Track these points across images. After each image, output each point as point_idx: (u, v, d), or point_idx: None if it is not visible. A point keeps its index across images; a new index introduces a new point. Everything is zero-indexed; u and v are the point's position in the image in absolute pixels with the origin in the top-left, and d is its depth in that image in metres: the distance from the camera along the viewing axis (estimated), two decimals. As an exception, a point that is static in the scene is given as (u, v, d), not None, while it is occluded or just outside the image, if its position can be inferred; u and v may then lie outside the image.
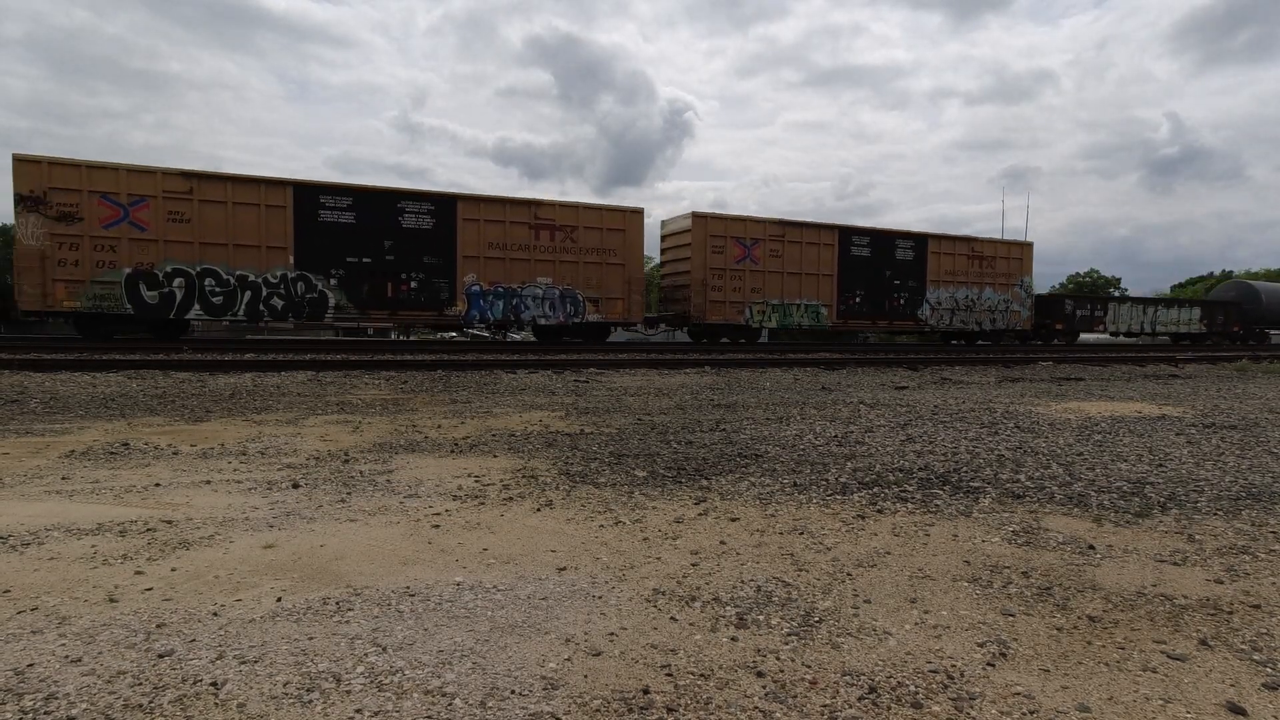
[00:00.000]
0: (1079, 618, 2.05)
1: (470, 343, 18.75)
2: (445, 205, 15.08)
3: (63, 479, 3.56)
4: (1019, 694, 1.62)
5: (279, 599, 2.07)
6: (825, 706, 1.55)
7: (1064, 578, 2.37)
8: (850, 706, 1.56)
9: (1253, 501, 3.42)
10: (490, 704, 1.53)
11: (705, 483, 3.66)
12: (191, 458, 4.15)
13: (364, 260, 14.52)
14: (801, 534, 2.82)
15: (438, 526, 2.85)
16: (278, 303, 14.07)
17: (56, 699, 1.51)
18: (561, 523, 2.93)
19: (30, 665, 1.65)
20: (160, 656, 1.71)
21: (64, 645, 1.76)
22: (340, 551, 2.51)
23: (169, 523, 2.82)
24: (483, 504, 3.20)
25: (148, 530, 2.71)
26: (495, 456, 4.30)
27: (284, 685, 1.58)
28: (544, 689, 1.59)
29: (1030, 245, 22.87)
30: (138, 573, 2.27)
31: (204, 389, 7.52)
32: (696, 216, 17.73)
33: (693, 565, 2.44)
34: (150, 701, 1.51)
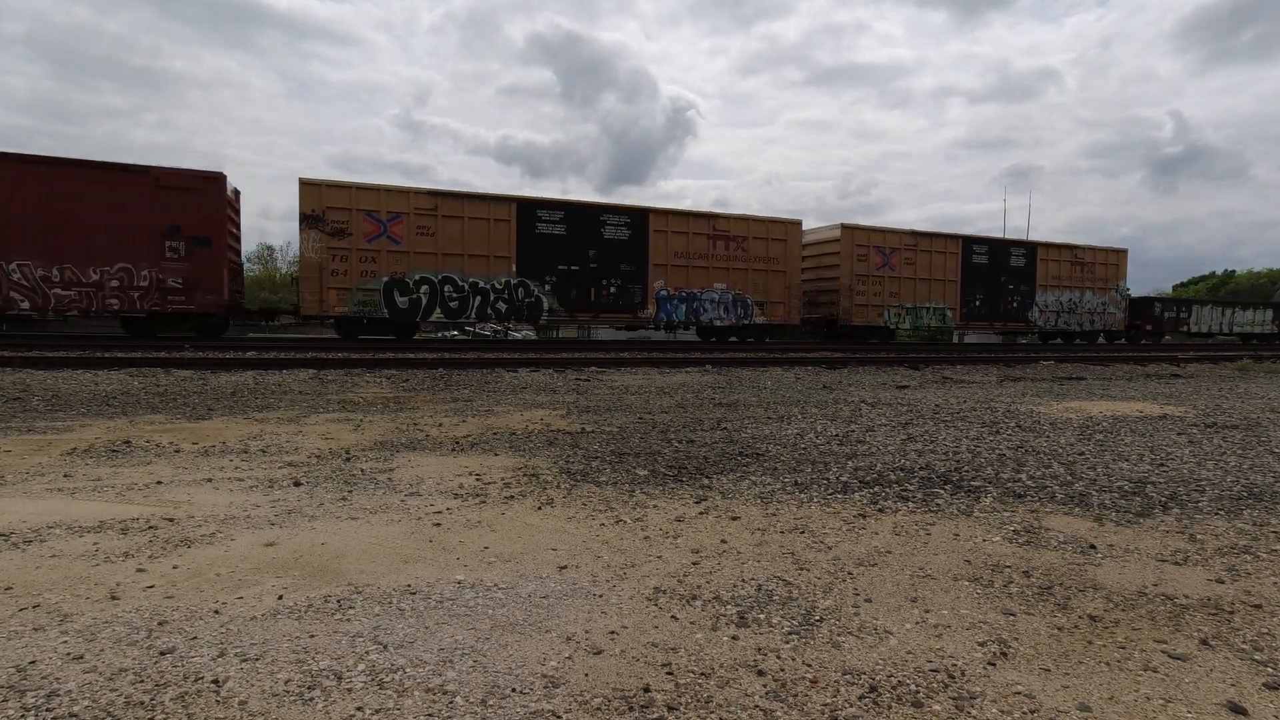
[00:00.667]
0: (1080, 617, 2.05)
1: (471, 341, 18.79)
2: (639, 218, 16.68)
3: (65, 476, 3.57)
4: (1020, 693, 1.62)
5: (280, 597, 2.08)
6: (826, 705, 1.56)
7: (1065, 577, 2.37)
8: (851, 705, 1.56)
9: (1254, 501, 3.41)
10: (491, 702, 1.53)
11: (706, 481, 3.66)
12: (193, 456, 4.15)
13: (572, 267, 16.16)
14: (802, 533, 2.82)
15: (439, 525, 2.85)
16: (502, 306, 15.68)
17: (58, 696, 1.51)
18: (563, 521, 2.93)
19: (32, 662, 1.66)
20: (162, 654, 1.71)
21: (66, 642, 1.76)
22: (341, 549, 2.51)
23: (170, 520, 2.82)
24: (484, 502, 3.20)
25: (149, 528, 2.72)
26: (496, 455, 4.31)
27: (285, 683, 1.58)
28: (545, 687, 1.59)
29: (1125, 252, 24.32)
30: (139, 570, 2.27)
31: (205, 387, 7.53)
32: (845, 227, 19.22)
33: (694, 564, 2.44)
34: (152, 699, 1.51)
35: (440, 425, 5.40)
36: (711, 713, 1.52)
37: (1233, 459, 4.45)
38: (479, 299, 15.36)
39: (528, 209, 15.67)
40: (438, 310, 15.07)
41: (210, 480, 3.54)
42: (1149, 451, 4.65)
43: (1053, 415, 6.37)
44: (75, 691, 1.53)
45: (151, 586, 2.14)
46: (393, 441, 4.68)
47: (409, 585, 2.19)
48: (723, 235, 17.40)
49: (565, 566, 2.40)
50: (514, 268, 15.61)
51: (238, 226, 14.73)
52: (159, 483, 3.47)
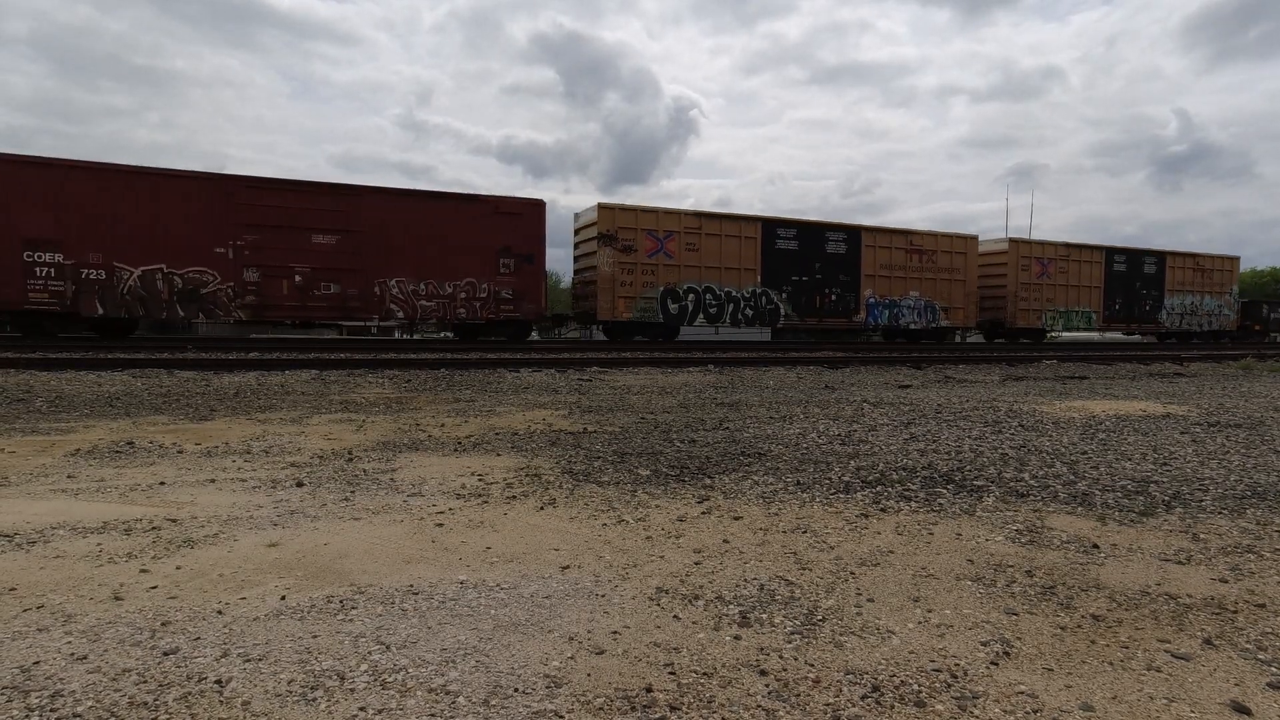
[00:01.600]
0: (1083, 617, 2.05)
1: (473, 343, 18.87)
2: (854, 235, 19.09)
3: (68, 477, 3.58)
4: (1022, 693, 1.62)
5: (283, 597, 2.08)
6: (828, 705, 1.55)
7: (1067, 577, 2.37)
8: (853, 705, 1.56)
9: (1257, 500, 3.41)
10: (494, 702, 1.53)
11: (708, 481, 3.66)
12: (196, 456, 4.16)
13: (802, 278, 18.52)
14: (804, 533, 2.82)
15: (441, 525, 2.85)
16: (749, 312, 18.00)
17: (62, 696, 1.52)
18: (565, 521, 2.93)
19: (36, 663, 1.66)
20: (165, 654, 1.71)
21: (70, 643, 1.77)
22: (344, 550, 2.52)
23: (174, 521, 2.83)
24: (486, 503, 3.20)
25: (153, 529, 2.72)
26: (498, 455, 4.31)
27: (288, 683, 1.59)
28: (547, 687, 1.60)
29: (1237, 259, 27.00)
30: (143, 571, 2.28)
31: (208, 388, 7.54)
32: (1012, 241, 21.99)
33: (696, 564, 2.44)
34: (155, 699, 1.51)
35: (442, 425, 5.40)
36: (714, 713, 1.52)
37: (1236, 458, 4.44)
38: (731, 306, 17.77)
39: (770, 227, 18.09)
40: (700, 316, 17.63)
41: (213, 481, 3.55)
42: (1152, 451, 4.65)
43: (1055, 414, 6.35)
44: (79, 692, 1.54)
45: (155, 587, 2.15)
46: (395, 442, 4.69)
47: (411, 585, 2.19)
48: (916, 249, 19.79)
49: (567, 566, 2.40)
50: (758, 279, 17.98)
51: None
52: (162, 483, 3.48)
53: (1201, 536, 2.83)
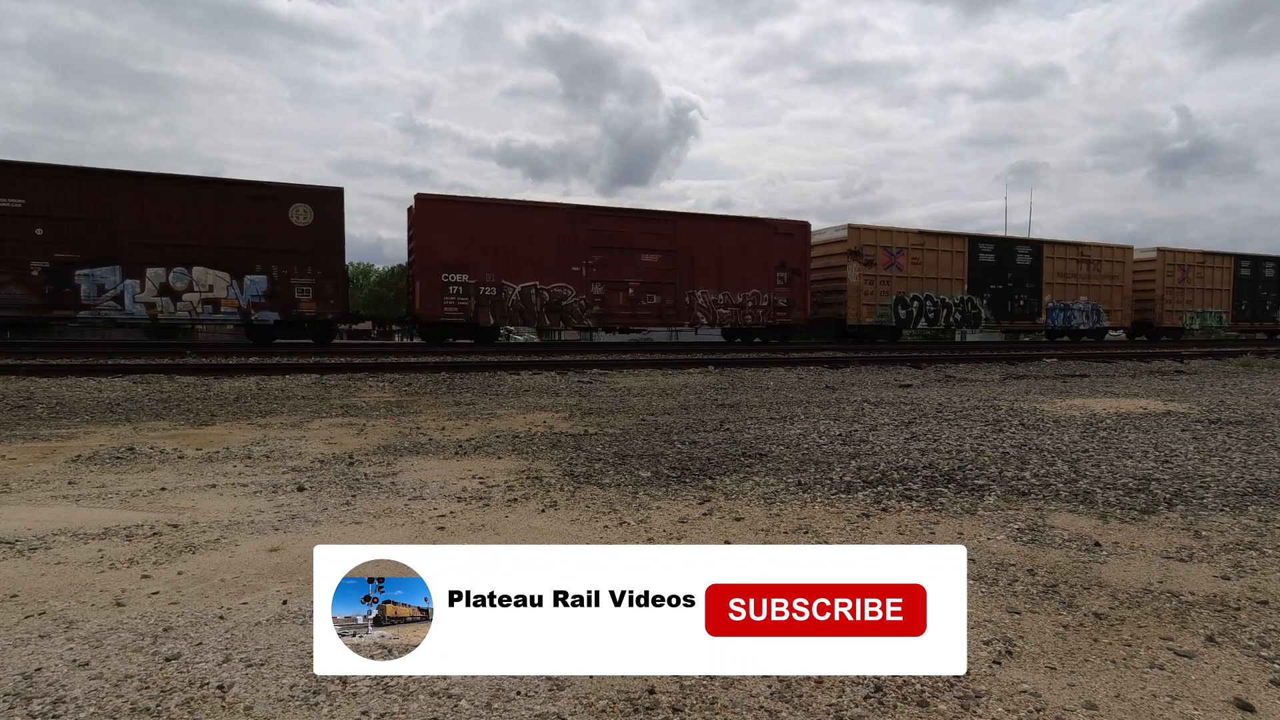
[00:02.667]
0: (1085, 615, 2.05)
1: (473, 345, 18.87)
2: (1037, 248, 22.01)
3: (69, 483, 3.58)
4: (1025, 692, 1.62)
5: (285, 602, 2.08)
6: (831, 706, 1.55)
7: (1069, 575, 2.36)
8: (856, 705, 1.55)
9: (1259, 497, 3.41)
10: (496, 705, 1.53)
11: (709, 482, 3.66)
12: (197, 461, 4.16)
13: (997, 286, 21.17)
14: (806, 533, 2.82)
15: (443, 528, 2.85)
16: (958, 316, 20.76)
17: (64, 703, 1.52)
18: (566, 524, 2.93)
19: (38, 669, 1.66)
20: (167, 660, 1.71)
21: (71, 649, 1.77)
22: (345, 554, 2.51)
23: (175, 526, 2.83)
24: (487, 505, 3.20)
25: (154, 534, 2.72)
26: (499, 458, 4.31)
27: (290, 688, 1.59)
28: (550, 689, 1.59)
29: None
30: (144, 576, 2.28)
31: (209, 393, 7.54)
32: (1160, 250, 24.58)
33: (697, 565, 2.44)
34: (157, 705, 1.51)
35: (443, 429, 5.40)
36: (716, 714, 1.52)
37: (1237, 455, 4.44)
38: (944, 311, 20.43)
39: (974, 243, 20.96)
40: (922, 320, 20.18)
41: (214, 486, 3.55)
42: (1153, 448, 4.64)
43: (1056, 413, 6.35)
44: (81, 698, 1.53)
45: (156, 593, 2.15)
46: (396, 445, 4.69)
47: (413, 589, 2.19)
48: (1085, 259, 22.54)
49: (569, 569, 2.40)
50: (965, 287, 20.68)
51: None
52: (163, 489, 3.48)
53: (1203, 534, 2.83)
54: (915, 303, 19.99)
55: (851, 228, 19.01)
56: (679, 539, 2.73)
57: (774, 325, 18.51)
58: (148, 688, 1.58)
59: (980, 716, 1.52)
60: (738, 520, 2.99)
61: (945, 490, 3.51)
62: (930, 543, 2.70)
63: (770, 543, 2.69)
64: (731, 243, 17.73)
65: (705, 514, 3.08)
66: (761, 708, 1.54)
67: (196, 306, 14.10)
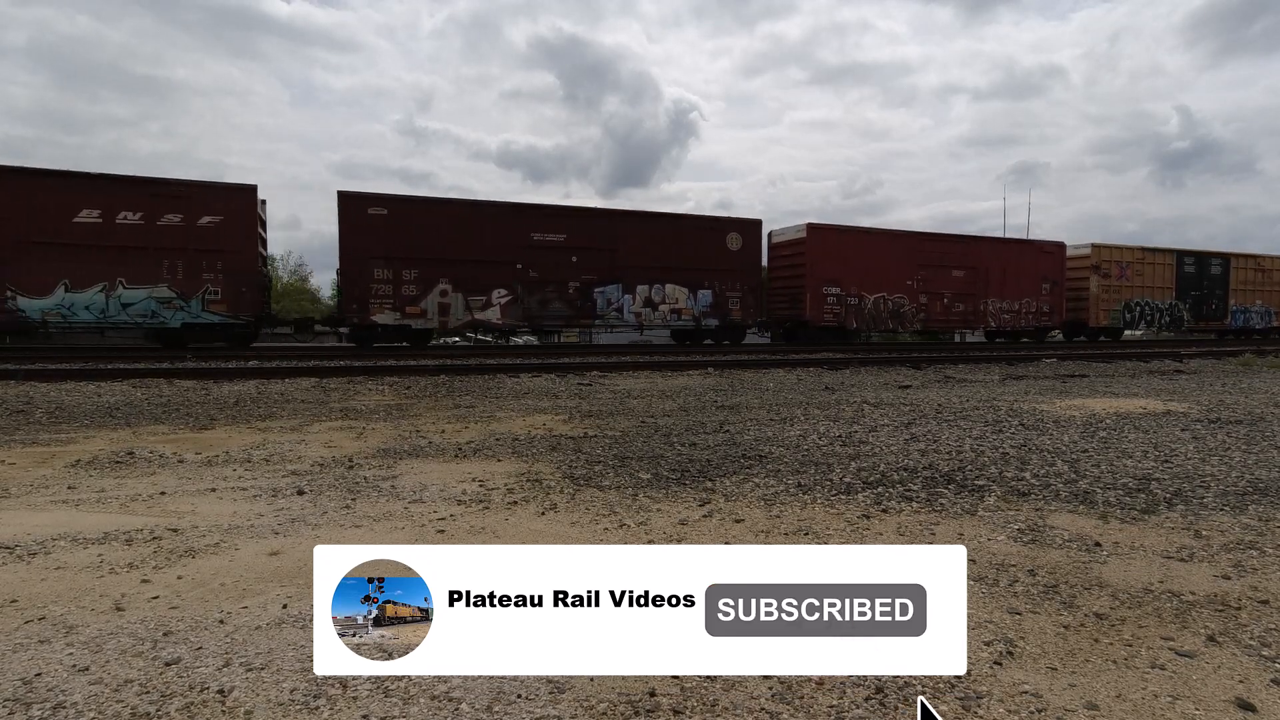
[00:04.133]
0: (1086, 615, 2.05)
1: (473, 347, 18.85)
2: (1226, 260, 25.14)
3: (69, 488, 3.57)
4: (1026, 692, 1.61)
5: (285, 605, 2.08)
6: (832, 707, 1.55)
7: (1070, 575, 2.36)
8: (857, 706, 1.55)
9: (1259, 497, 3.41)
10: (496, 708, 1.53)
11: (709, 484, 3.66)
12: (196, 465, 4.16)
13: (1195, 293, 24.31)
14: (806, 534, 2.81)
15: (443, 531, 2.85)
16: (1166, 319, 23.82)
17: (64, 708, 1.51)
18: (566, 526, 2.93)
19: (38, 674, 1.66)
20: (167, 664, 1.71)
21: (71, 654, 1.77)
22: (345, 557, 2.51)
23: (175, 531, 2.82)
24: (487, 508, 3.20)
25: (154, 538, 2.72)
26: (499, 460, 4.31)
27: (290, 692, 1.58)
28: (550, 692, 1.59)
29: None
30: (144, 581, 2.28)
31: (208, 397, 7.54)
32: None
33: (698, 567, 2.44)
34: (158, 709, 1.51)
35: (443, 431, 5.40)
36: (718, 716, 1.51)
37: (1237, 454, 4.44)
38: (1155, 314, 23.64)
39: (1180, 256, 24.20)
40: (1141, 323, 23.58)
41: (214, 490, 3.54)
42: (1153, 448, 4.64)
43: (1056, 413, 6.35)
44: (81, 703, 1.53)
45: (156, 597, 2.15)
46: (396, 449, 4.68)
47: (413, 592, 2.19)
48: (1260, 268, 25.90)
49: (569, 571, 2.39)
50: (1173, 295, 23.88)
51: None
52: (163, 493, 3.48)
53: (1204, 533, 2.83)
54: (1137, 308, 23.50)
55: (1094, 246, 23.20)
56: (679, 541, 2.73)
57: (1039, 327, 22.18)
58: (148, 692, 1.58)
59: (981, 717, 1.51)
60: (738, 522, 2.99)
61: (945, 491, 3.51)
62: (931, 543, 2.69)
63: (771, 544, 2.69)
64: (1012, 260, 21.43)
65: (705, 515, 3.08)
66: (762, 709, 1.54)
67: (667, 315, 17.51)
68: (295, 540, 2.70)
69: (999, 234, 29.22)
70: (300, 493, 3.46)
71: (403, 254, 15.04)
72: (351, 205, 14.93)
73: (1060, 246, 22.56)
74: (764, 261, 19.38)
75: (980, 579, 2.33)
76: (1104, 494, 3.45)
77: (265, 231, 15.61)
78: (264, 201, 15.21)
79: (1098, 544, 2.69)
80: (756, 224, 18.43)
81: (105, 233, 13.24)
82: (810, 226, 18.46)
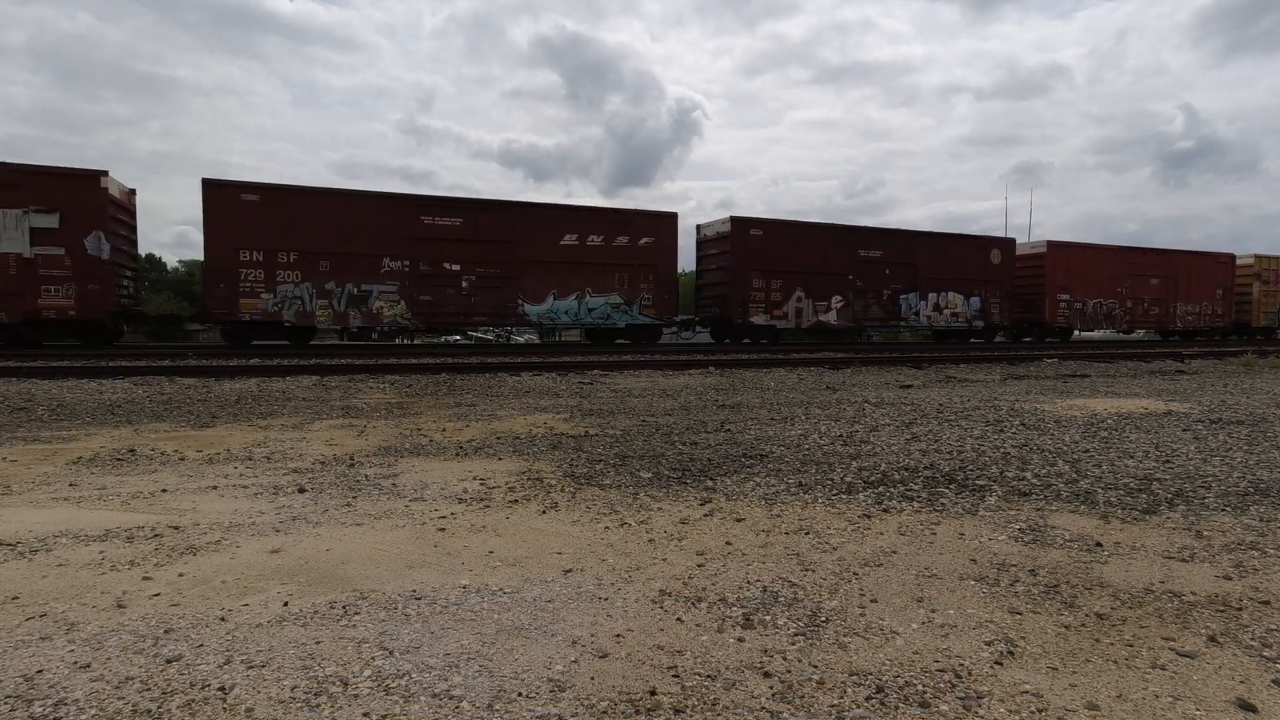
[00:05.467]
0: (1087, 615, 2.04)
1: (474, 346, 18.87)
2: None
3: (70, 485, 3.58)
4: (1027, 692, 1.61)
5: (286, 603, 2.08)
6: (833, 706, 1.55)
7: (1071, 575, 2.36)
8: (858, 706, 1.55)
9: (1261, 497, 3.40)
10: (498, 706, 1.53)
11: (710, 483, 3.66)
12: (198, 463, 4.16)
13: None
14: (807, 534, 2.81)
15: (443, 530, 2.85)
16: None
17: (66, 705, 1.51)
18: (567, 525, 2.93)
19: (39, 671, 1.66)
20: (168, 662, 1.71)
21: (73, 651, 1.77)
22: (346, 555, 2.51)
23: (176, 528, 2.83)
24: (488, 507, 3.20)
25: (155, 536, 2.72)
26: (500, 459, 4.31)
27: (291, 689, 1.58)
28: (551, 691, 1.59)
29: None
30: (145, 578, 2.28)
31: (209, 395, 7.54)
32: None
33: (699, 566, 2.44)
34: (159, 707, 1.51)
35: (444, 430, 5.40)
36: (718, 715, 1.51)
37: (1239, 455, 4.43)
38: None
39: None
40: None
41: (215, 487, 3.55)
42: (1154, 448, 4.64)
43: (1057, 413, 6.35)
44: (82, 700, 1.53)
45: (157, 594, 2.15)
46: (396, 447, 4.69)
47: (414, 590, 2.19)
48: None
49: (570, 570, 2.40)
50: None
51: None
52: (164, 491, 3.48)
53: (1205, 534, 2.83)
54: None
55: (1257, 256, 26.59)
56: (680, 540, 2.73)
57: (1212, 328, 25.31)
58: (149, 689, 1.58)
59: (982, 717, 1.51)
60: (739, 521, 2.99)
61: (946, 491, 3.51)
62: (932, 543, 2.70)
63: (771, 543, 2.69)
64: (1195, 269, 24.78)
65: (706, 515, 3.08)
66: (763, 709, 1.54)
67: (949, 317, 21.12)
68: (296, 538, 2.71)
69: (1000, 233, 30.25)
70: (301, 491, 3.46)
71: (771, 267, 18.45)
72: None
73: (1231, 257, 25.97)
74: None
75: (981, 579, 2.33)
76: (1105, 494, 3.45)
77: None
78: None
79: (1099, 544, 2.68)
80: (1011, 242, 22.44)
81: (579, 252, 16.70)
82: (1050, 244, 22.56)
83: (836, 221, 21.66)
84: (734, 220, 17.99)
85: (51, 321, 13.72)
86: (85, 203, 13.65)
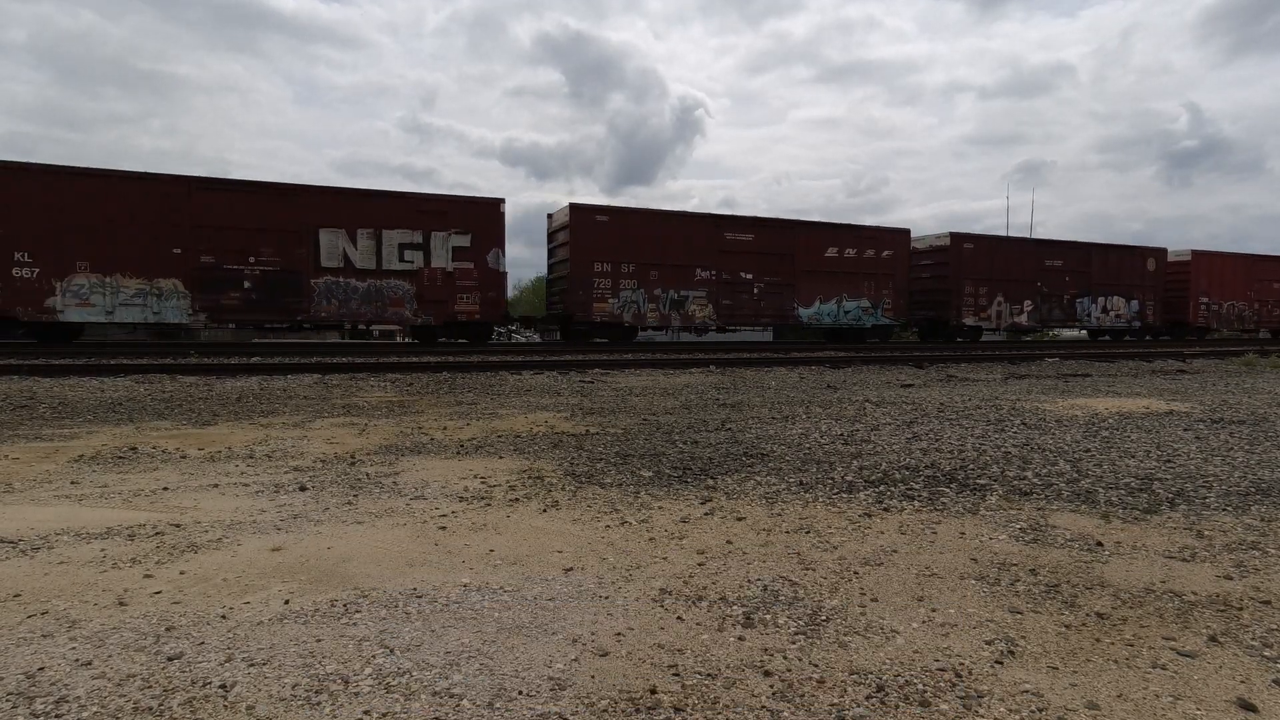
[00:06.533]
0: (1087, 615, 2.04)
1: (476, 346, 18.92)
2: None
3: (72, 483, 3.58)
4: (1027, 692, 1.61)
5: (287, 601, 2.08)
6: (833, 705, 1.55)
7: (1072, 575, 2.36)
8: (858, 705, 1.55)
9: (1262, 497, 3.40)
10: (498, 705, 1.53)
11: (711, 482, 3.66)
12: (199, 461, 4.17)
13: None
14: (808, 533, 2.81)
15: (444, 528, 2.85)
16: None
17: (67, 702, 1.52)
18: (568, 523, 2.93)
19: (41, 669, 1.67)
20: (170, 659, 1.72)
21: (74, 649, 1.77)
22: (347, 554, 2.52)
23: (177, 526, 2.83)
24: (489, 505, 3.20)
25: (156, 534, 2.73)
26: (501, 458, 4.31)
27: (292, 687, 1.59)
28: (551, 690, 1.60)
29: None
30: (147, 576, 2.28)
31: (211, 393, 7.55)
32: None
33: (699, 565, 2.44)
34: (160, 704, 1.51)
35: (445, 428, 5.40)
36: (718, 714, 1.52)
37: (1240, 454, 4.43)
38: None
39: None
40: None
41: (216, 486, 3.55)
42: (1155, 448, 4.64)
43: (1058, 412, 6.35)
44: (84, 698, 1.54)
45: (159, 592, 2.15)
46: (397, 445, 4.69)
47: (415, 589, 2.19)
48: None
49: (571, 569, 2.40)
50: None
51: None
52: (165, 489, 3.49)
53: (1206, 534, 2.82)
54: None
55: None
56: (681, 539, 2.73)
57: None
58: (150, 687, 1.58)
59: (982, 716, 1.51)
60: (739, 520, 2.99)
61: (947, 490, 3.50)
62: (932, 542, 2.69)
63: (772, 542, 2.69)
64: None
65: (707, 514, 3.08)
66: (764, 707, 1.54)
67: (1113, 318, 23.56)
68: (298, 536, 2.71)
69: (1002, 233, 30.95)
70: (302, 489, 3.47)
71: (981, 276, 21.25)
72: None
73: None
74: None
75: (982, 578, 2.33)
76: (1106, 494, 3.45)
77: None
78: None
79: (1099, 544, 2.68)
80: (1163, 251, 24.63)
81: (839, 264, 19.61)
82: (1195, 253, 25.19)
83: (1004, 234, 24.97)
84: (953, 235, 21.39)
85: (461, 323, 16.40)
86: (488, 225, 16.47)
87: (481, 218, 16.39)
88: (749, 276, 18.69)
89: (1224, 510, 3.17)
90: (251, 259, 14.60)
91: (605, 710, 1.52)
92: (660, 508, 3.17)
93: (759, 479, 3.73)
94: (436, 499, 3.31)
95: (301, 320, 15.25)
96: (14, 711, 1.48)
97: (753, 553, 2.57)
